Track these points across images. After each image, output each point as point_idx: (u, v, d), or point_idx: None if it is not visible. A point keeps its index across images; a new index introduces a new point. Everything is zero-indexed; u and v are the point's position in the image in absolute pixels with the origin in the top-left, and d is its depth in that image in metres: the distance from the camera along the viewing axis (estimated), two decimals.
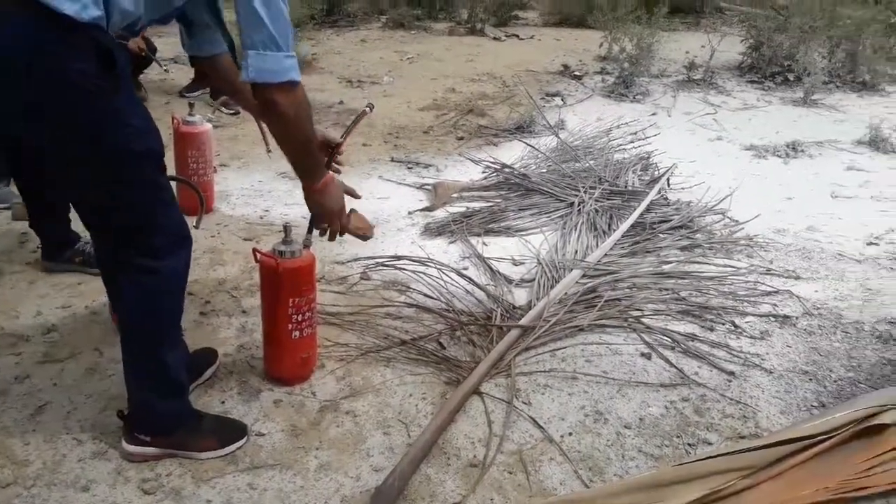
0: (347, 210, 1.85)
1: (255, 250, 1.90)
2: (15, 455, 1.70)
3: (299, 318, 1.93)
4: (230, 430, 1.77)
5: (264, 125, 1.81)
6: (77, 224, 2.52)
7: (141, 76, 4.55)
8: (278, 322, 1.92)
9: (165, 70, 3.99)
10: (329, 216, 1.79)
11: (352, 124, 2.01)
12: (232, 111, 4.55)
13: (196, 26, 1.74)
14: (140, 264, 1.53)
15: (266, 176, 3.62)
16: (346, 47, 7.22)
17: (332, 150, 1.90)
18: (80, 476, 1.65)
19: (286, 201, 3.29)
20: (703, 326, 2.41)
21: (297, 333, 1.94)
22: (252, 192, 3.44)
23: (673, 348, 2.28)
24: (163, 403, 1.68)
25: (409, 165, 3.94)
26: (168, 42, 5.30)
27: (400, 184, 3.67)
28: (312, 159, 1.68)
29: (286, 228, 1.90)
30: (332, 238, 1.86)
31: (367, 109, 2.02)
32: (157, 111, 1.45)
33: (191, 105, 3.17)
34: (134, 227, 1.52)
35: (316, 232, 1.89)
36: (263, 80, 1.41)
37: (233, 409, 1.90)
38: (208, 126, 3.12)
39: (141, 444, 1.68)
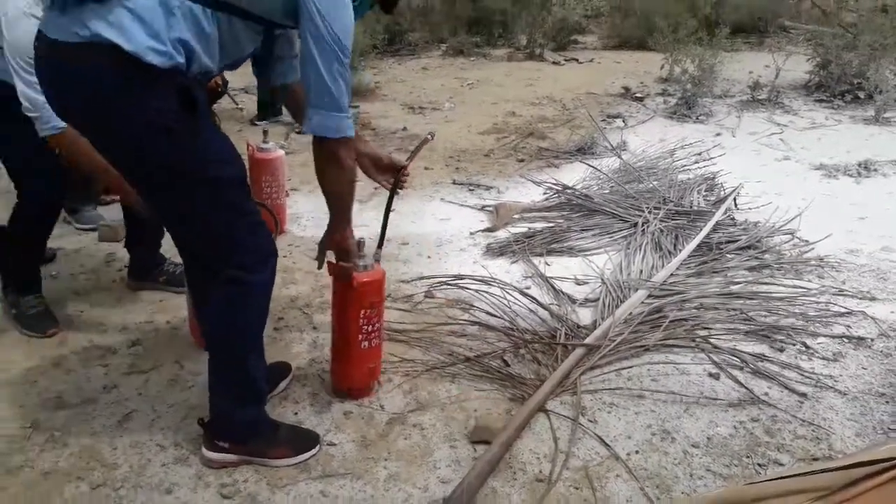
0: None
1: (329, 262, 1.98)
2: (104, 458, 1.81)
3: (369, 329, 2.00)
4: (303, 440, 1.84)
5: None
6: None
7: (214, 105, 4.80)
8: (350, 332, 1.99)
9: (240, 109, 4.27)
10: (353, 252, 1.95)
11: (415, 150, 2.11)
12: (298, 130, 4.71)
13: (266, 60, 1.92)
14: (228, 277, 1.63)
15: None
16: (408, 75, 7.40)
17: (397, 172, 2.01)
18: (164, 480, 1.74)
19: (354, 222, 3.38)
20: (772, 347, 2.36)
21: (367, 343, 2.01)
22: (321, 214, 3.48)
23: (742, 368, 2.24)
24: (242, 412, 1.77)
25: (471, 187, 4.00)
26: (237, 73, 5.54)
27: (462, 205, 3.73)
28: (351, 205, 1.86)
29: (359, 243, 1.98)
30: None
31: (429, 137, 2.15)
32: (231, 138, 1.57)
33: (265, 132, 3.33)
34: (221, 249, 1.63)
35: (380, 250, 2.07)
36: (325, 134, 1.62)
37: (305, 420, 1.97)
38: (281, 152, 3.26)
39: (220, 450, 1.77)
